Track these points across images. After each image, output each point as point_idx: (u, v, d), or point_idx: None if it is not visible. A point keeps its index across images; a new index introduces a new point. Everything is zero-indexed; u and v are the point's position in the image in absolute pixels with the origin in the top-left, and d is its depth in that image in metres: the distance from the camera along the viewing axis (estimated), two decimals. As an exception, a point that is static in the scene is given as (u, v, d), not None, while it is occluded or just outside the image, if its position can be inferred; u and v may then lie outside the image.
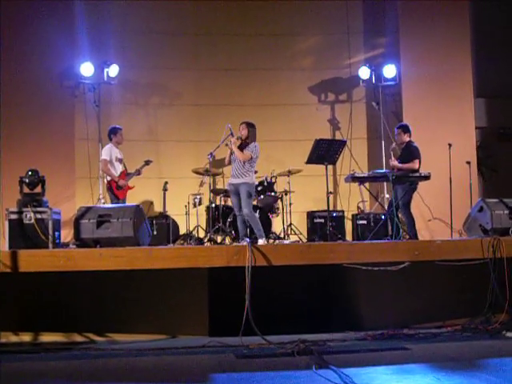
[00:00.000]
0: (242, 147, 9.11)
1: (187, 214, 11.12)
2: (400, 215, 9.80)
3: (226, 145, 9.28)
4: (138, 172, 10.58)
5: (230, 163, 9.27)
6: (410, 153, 9.73)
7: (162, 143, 12.74)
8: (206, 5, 12.95)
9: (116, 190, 10.24)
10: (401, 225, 9.38)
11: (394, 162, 9.74)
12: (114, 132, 10.50)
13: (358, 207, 11.93)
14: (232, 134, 9.67)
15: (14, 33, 11.53)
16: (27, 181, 8.20)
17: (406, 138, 9.89)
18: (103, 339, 7.08)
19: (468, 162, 10.71)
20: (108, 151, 10.33)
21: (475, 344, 6.54)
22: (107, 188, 10.42)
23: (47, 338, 7.05)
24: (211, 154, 9.95)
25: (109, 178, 10.29)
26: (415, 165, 9.56)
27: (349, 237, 11.35)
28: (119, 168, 10.38)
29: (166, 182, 11.30)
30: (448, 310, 7.41)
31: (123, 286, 7.16)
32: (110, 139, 10.50)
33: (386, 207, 10.87)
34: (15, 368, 5.90)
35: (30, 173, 8.27)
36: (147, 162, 10.69)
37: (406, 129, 9.99)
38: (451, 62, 12.28)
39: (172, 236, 10.90)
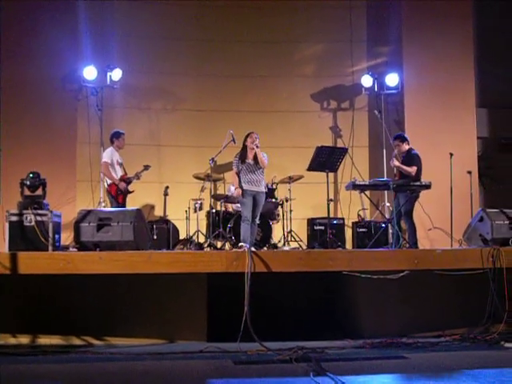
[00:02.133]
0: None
1: (187, 218, 11.12)
2: (402, 223, 9.81)
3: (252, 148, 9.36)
4: (138, 177, 10.57)
5: (238, 172, 9.37)
6: (409, 159, 9.71)
7: (164, 148, 12.75)
8: (209, 11, 12.97)
9: (116, 193, 10.24)
10: (401, 233, 9.38)
11: (395, 162, 9.72)
12: (116, 136, 10.51)
13: (359, 215, 11.93)
14: (234, 140, 9.71)
15: (17, 36, 11.56)
16: (28, 183, 8.21)
17: (406, 147, 9.88)
18: (101, 343, 7.08)
19: (469, 172, 10.72)
20: (109, 154, 10.34)
21: (473, 354, 6.53)
22: (107, 192, 10.43)
23: (45, 340, 7.05)
24: (212, 159, 9.96)
25: (109, 182, 10.29)
26: (413, 170, 9.54)
27: (349, 244, 11.35)
28: (119, 172, 10.39)
29: (167, 187, 11.33)
30: (447, 319, 7.41)
31: (122, 290, 7.17)
32: (112, 143, 10.51)
33: (387, 215, 10.87)
34: (13, 370, 5.89)
35: (31, 175, 8.27)
36: (146, 167, 10.68)
37: (402, 138, 9.98)
38: (454, 72, 12.30)
39: (172, 241, 10.91)
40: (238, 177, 9.37)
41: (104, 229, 7.59)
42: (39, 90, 11.57)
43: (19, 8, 11.59)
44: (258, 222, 9.49)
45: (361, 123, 13.18)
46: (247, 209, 9.23)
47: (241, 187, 9.29)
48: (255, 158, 9.30)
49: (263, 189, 9.44)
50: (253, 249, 8.44)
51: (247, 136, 9.44)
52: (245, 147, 9.43)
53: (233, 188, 10.27)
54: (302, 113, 13.08)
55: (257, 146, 9.22)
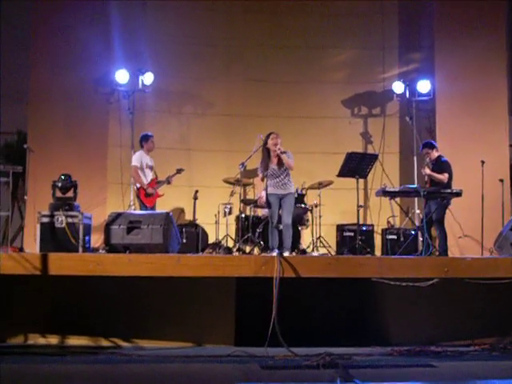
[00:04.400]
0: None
1: (217, 223, 11.14)
2: (432, 231, 9.75)
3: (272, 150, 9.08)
4: (168, 181, 10.62)
5: (264, 178, 9.19)
6: (439, 167, 9.67)
7: (194, 152, 12.78)
8: (240, 15, 12.99)
9: (145, 197, 10.30)
10: (431, 241, 9.31)
11: (427, 170, 9.67)
12: (145, 139, 10.57)
13: (388, 222, 11.85)
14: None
15: (49, 39, 11.70)
16: (60, 185, 8.32)
17: (435, 154, 9.84)
18: (129, 345, 7.11)
19: (501, 180, 10.61)
20: (138, 158, 10.41)
21: (504, 364, 6.45)
22: (136, 195, 10.50)
23: (74, 341, 7.11)
24: (242, 164, 9.97)
25: (138, 185, 10.35)
26: (445, 178, 9.49)
27: (378, 251, 11.27)
28: (149, 175, 10.44)
29: (197, 191, 11.36)
30: (477, 328, 7.33)
31: (151, 293, 7.19)
32: (142, 146, 10.59)
33: (417, 223, 10.80)
34: (42, 370, 5.94)
35: (62, 177, 8.40)
36: (179, 171, 10.75)
37: (431, 146, 9.94)
38: (486, 79, 12.18)
39: (201, 244, 10.92)
40: (263, 181, 9.19)
41: (134, 231, 7.66)
42: (71, 93, 11.66)
43: (51, 11, 11.73)
44: (290, 224, 9.07)
45: (392, 130, 13.11)
46: (274, 214, 9.09)
47: (267, 193, 9.12)
48: (279, 160, 9.00)
49: (292, 190, 9.09)
50: (286, 253, 8.44)
51: (267, 138, 9.08)
52: (267, 150, 9.10)
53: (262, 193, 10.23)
54: (333, 119, 13.05)
55: (281, 152, 8.91)
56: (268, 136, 9.12)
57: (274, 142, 8.99)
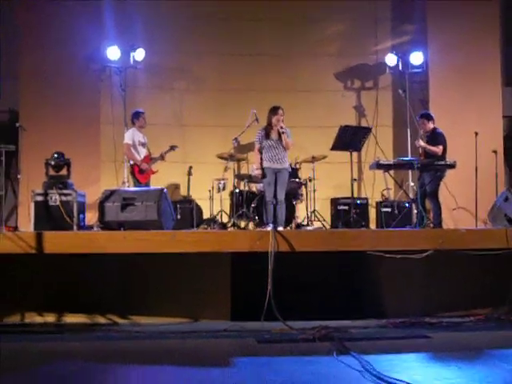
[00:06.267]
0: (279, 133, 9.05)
1: (211, 198, 11.12)
2: (427, 203, 9.76)
3: (282, 131, 9.04)
4: (162, 157, 10.58)
5: (260, 148, 9.17)
6: (434, 139, 9.66)
7: (187, 128, 12.74)
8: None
9: (139, 173, 10.27)
10: (425, 213, 9.32)
11: (421, 142, 9.66)
12: (136, 116, 10.51)
13: (383, 195, 11.86)
14: (257, 119, 9.65)
15: (40, 16, 11.60)
16: (53, 163, 8.30)
17: (431, 126, 9.81)
18: (126, 321, 7.14)
19: (494, 151, 10.59)
20: (130, 135, 10.36)
21: (498, 334, 6.52)
22: (130, 172, 10.46)
23: (71, 319, 7.13)
24: (236, 139, 9.94)
25: (132, 162, 10.32)
26: (439, 150, 9.49)
27: (372, 224, 11.29)
28: (143, 152, 10.41)
29: (191, 167, 11.35)
30: (471, 299, 7.38)
31: (146, 269, 7.21)
32: (133, 123, 10.53)
33: (411, 195, 10.81)
34: (39, 348, 5.97)
35: (55, 155, 8.37)
36: (172, 148, 10.69)
37: (428, 116, 9.91)
38: (479, 50, 12.15)
39: (196, 220, 10.92)
40: (260, 154, 9.15)
41: (128, 208, 7.65)
42: (62, 70, 11.58)
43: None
44: (283, 200, 9.16)
45: (385, 102, 13.08)
46: (270, 189, 9.06)
47: (262, 166, 9.14)
48: (280, 134, 9.00)
49: (287, 165, 9.18)
50: (280, 228, 8.45)
51: (273, 113, 9.08)
52: (270, 124, 9.10)
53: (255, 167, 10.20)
54: (326, 92, 13.00)
55: (283, 132, 8.94)
56: (276, 109, 9.10)
57: (277, 118, 8.96)
